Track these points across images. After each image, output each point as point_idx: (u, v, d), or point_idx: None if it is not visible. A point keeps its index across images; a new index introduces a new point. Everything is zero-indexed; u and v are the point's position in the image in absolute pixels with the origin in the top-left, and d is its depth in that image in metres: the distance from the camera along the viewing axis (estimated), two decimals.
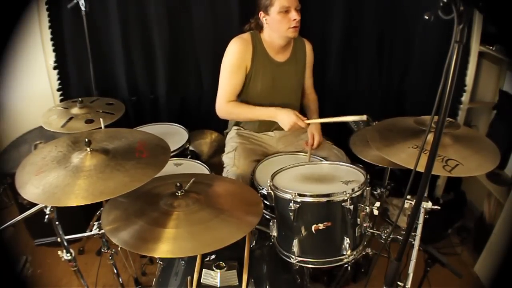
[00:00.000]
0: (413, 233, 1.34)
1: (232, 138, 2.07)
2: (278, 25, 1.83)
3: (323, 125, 1.99)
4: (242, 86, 1.95)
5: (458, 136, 1.45)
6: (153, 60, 2.41)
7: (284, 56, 1.99)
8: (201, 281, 1.34)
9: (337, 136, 2.09)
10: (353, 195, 1.40)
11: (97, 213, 2.15)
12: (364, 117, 1.59)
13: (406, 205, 1.34)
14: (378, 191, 1.92)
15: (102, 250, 1.70)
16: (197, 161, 1.95)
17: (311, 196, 1.39)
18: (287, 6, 1.78)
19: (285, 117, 1.82)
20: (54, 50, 2.33)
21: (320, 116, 2.07)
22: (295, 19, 1.80)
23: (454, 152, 1.37)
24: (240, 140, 2.01)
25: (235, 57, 1.89)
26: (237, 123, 2.12)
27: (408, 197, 1.32)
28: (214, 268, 1.35)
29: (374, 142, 1.51)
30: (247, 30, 1.98)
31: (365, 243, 1.53)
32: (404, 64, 2.49)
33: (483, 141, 1.53)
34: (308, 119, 1.93)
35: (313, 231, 1.41)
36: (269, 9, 1.81)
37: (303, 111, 2.10)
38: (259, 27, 1.95)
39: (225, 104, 1.94)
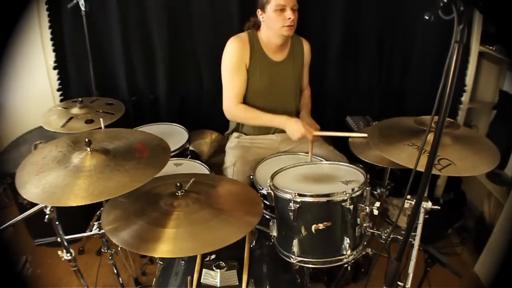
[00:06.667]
0: (413, 233, 1.34)
1: (232, 148, 2.05)
2: (273, 23, 1.84)
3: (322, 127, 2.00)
4: (247, 84, 1.95)
5: (458, 136, 1.45)
6: (153, 60, 2.41)
7: (282, 55, 1.99)
8: (201, 281, 1.34)
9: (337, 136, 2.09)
10: (353, 195, 1.40)
11: (97, 213, 2.15)
12: (366, 135, 1.64)
13: (406, 205, 1.34)
14: (378, 191, 1.92)
15: (102, 250, 1.70)
16: (197, 161, 1.95)
17: (311, 196, 1.39)
18: (283, 4, 1.79)
19: (294, 128, 1.83)
20: (54, 50, 2.33)
21: (321, 118, 2.10)
22: (289, 18, 1.81)
23: (451, 152, 1.36)
24: (239, 153, 1.98)
25: (234, 56, 1.90)
26: (237, 128, 2.11)
27: (408, 197, 1.32)
28: (214, 268, 1.35)
29: (373, 138, 1.52)
30: (247, 28, 2.00)
31: (365, 243, 1.53)
32: (404, 64, 2.49)
33: (483, 142, 1.52)
34: (303, 119, 1.96)
35: (313, 231, 1.41)
36: (265, 7, 1.83)
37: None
38: (258, 26, 1.96)
39: (234, 107, 1.94)
